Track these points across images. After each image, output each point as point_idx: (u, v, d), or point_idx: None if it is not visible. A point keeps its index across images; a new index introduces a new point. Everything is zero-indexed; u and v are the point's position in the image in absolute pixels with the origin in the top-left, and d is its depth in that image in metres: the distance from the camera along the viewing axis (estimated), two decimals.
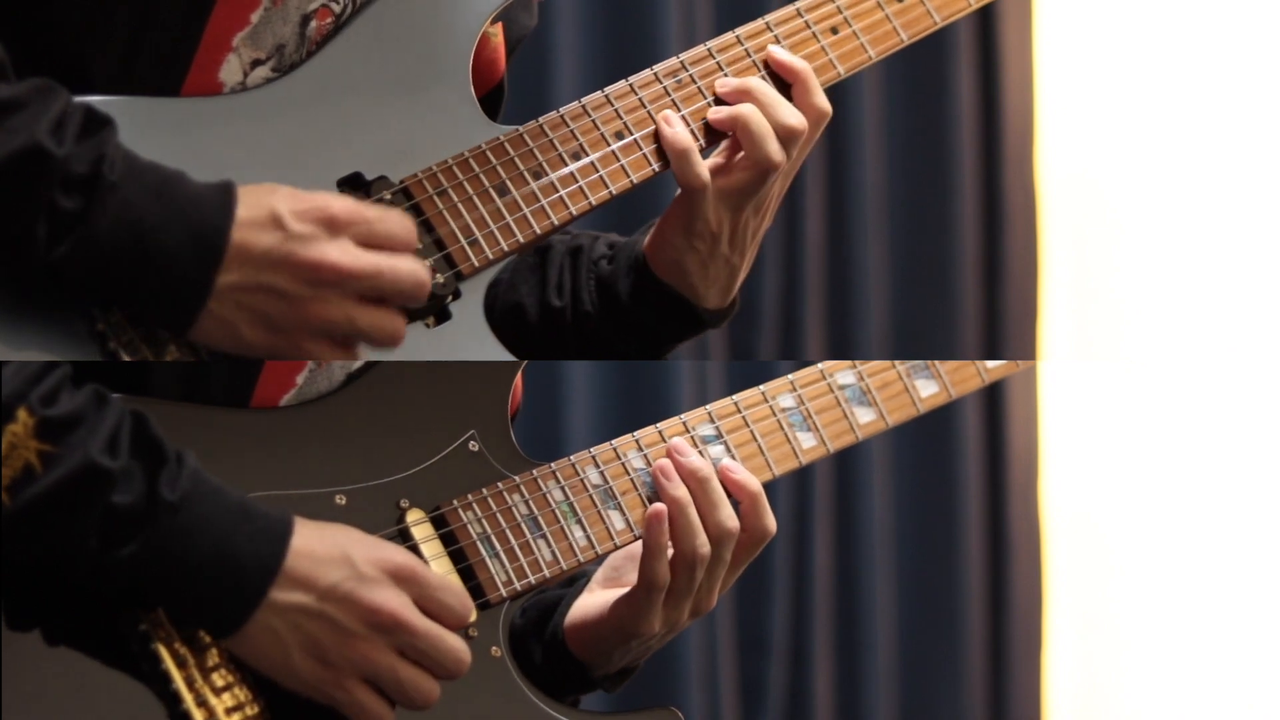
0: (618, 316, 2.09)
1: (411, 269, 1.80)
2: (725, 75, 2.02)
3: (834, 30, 2.07)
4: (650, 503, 1.98)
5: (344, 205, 1.79)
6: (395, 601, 1.79)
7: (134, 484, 1.72)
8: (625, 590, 1.98)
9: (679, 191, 2.02)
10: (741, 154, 2.00)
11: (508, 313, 2.11)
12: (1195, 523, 4.12)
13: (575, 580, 2.07)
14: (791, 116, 2.00)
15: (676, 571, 1.96)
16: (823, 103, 2.03)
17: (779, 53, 2.04)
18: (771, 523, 2.00)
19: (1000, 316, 4.13)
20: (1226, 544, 4.10)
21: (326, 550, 1.78)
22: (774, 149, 1.99)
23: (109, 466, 1.71)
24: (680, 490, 1.96)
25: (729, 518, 1.97)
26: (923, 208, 4.06)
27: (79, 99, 1.76)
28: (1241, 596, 4.09)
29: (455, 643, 1.82)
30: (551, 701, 1.93)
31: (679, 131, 1.99)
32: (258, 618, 1.76)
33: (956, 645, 4.06)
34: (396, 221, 1.81)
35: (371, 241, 1.79)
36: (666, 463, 1.98)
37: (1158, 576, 4.15)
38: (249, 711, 1.79)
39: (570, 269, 2.12)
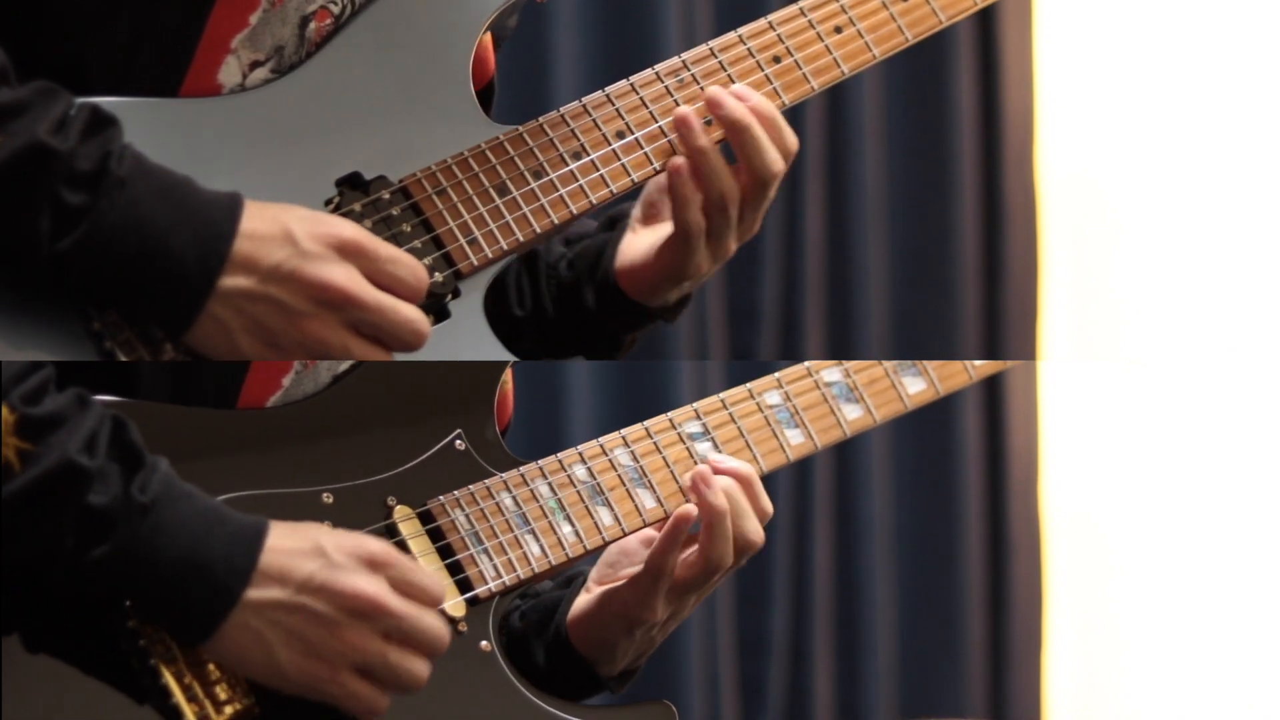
0: (580, 318, 2.09)
1: (411, 317, 1.82)
2: (721, 76, 2.01)
3: (838, 29, 2.07)
4: (634, 497, 1.99)
5: (355, 233, 1.81)
6: (371, 586, 1.79)
7: (109, 485, 1.72)
8: (622, 583, 2.00)
9: None
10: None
11: None
12: (1195, 523, 4.11)
13: (571, 583, 2.07)
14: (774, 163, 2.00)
15: (696, 572, 1.97)
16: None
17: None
18: (768, 503, 2.01)
19: (1000, 316, 4.13)
20: (1226, 544, 4.09)
21: (298, 544, 1.79)
22: (773, 158, 1.99)
23: (86, 465, 1.72)
24: (719, 499, 1.97)
25: (755, 530, 1.99)
26: (923, 208, 4.05)
27: (82, 100, 1.76)
28: (1241, 596, 4.09)
29: (434, 619, 1.82)
30: (542, 694, 1.93)
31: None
32: (235, 619, 1.76)
33: (956, 645, 4.06)
34: (407, 267, 1.82)
35: (378, 279, 1.81)
36: (706, 470, 1.98)
37: (1158, 576, 4.14)
38: (241, 704, 1.79)
39: (528, 276, 2.12)
